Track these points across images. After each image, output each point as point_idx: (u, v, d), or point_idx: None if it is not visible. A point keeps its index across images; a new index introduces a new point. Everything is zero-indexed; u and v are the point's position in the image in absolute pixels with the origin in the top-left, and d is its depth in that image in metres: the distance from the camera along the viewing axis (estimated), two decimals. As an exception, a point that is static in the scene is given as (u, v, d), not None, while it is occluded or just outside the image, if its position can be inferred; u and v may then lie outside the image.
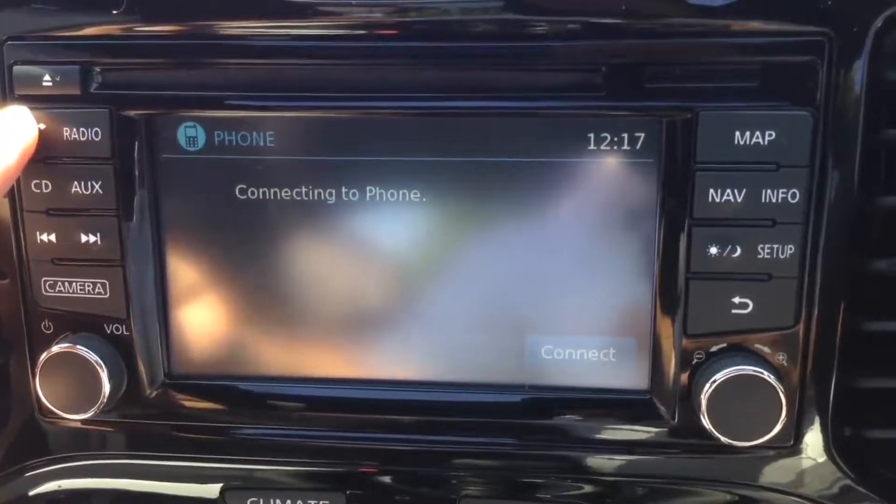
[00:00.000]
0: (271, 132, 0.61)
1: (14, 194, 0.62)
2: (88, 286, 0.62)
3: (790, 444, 0.61)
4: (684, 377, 0.60)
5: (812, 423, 0.60)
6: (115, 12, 0.58)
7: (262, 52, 0.58)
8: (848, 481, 0.62)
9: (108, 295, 0.62)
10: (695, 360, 0.59)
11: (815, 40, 0.54)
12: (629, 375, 0.62)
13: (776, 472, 0.62)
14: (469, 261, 0.62)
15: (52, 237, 0.62)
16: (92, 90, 0.59)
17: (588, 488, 0.65)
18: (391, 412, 0.64)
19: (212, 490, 0.68)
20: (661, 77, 0.55)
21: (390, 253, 0.62)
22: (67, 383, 0.62)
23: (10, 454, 0.68)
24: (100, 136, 0.60)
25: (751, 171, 0.56)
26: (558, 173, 0.59)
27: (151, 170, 0.61)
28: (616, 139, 0.58)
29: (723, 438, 0.58)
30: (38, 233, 0.62)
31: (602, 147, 0.58)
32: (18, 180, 0.61)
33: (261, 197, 0.61)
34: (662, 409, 0.61)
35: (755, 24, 0.55)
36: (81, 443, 0.68)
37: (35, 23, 0.59)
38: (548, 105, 0.57)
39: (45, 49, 0.59)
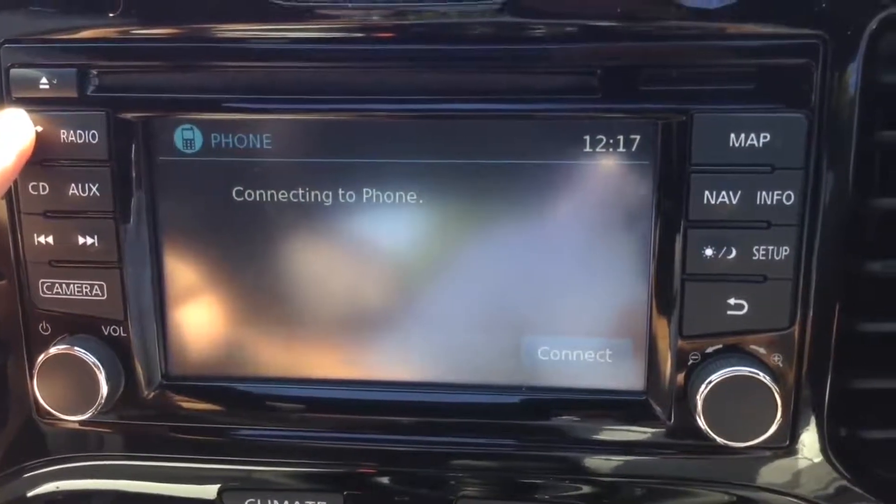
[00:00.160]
0: (268, 134, 0.61)
1: (11, 196, 0.62)
2: (86, 288, 0.62)
3: (786, 444, 0.61)
4: (680, 378, 0.60)
5: (808, 424, 0.61)
6: (111, 15, 0.58)
7: (259, 55, 0.58)
8: (844, 482, 0.62)
9: (105, 297, 0.62)
10: (690, 361, 0.59)
11: (810, 43, 0.54)
12: (625, 376, 0.62)
13: (772, 473, 0.62)
14: (465, 262, 0.62)
15: (50, 239, 0.62)
16: (89, 93, 0.59)
17: (585, 489, 0.65)
18: (389, 413, 0.64)
19: (210, 491, 0.68)
20: (657, 79, 0.55)
21: (387, 255, 0.62)
22: (65, 385, 0.62)
23: (8, 455, 0.68)
24: (97, 139, 0.60)
25: (746, 172, 0.56)
26: (554, 175, 0.59)
27: (148, 172, 0.61)
28: (612, 141, 0.58)
29: (719, 439, 0.58)
30: (35, 235, 0.62)
31: (598, 149, 0.59)
32: (16, 182, 0.61)
33: (258, 199, 0.62)
34: (658, 409, 0.62)
35: (750, 27, 0.55)
36: (79, 444, 0.68)
37: (32, 25, 0.59)
38: (544, 107, 0.57)
39: (42, 52, 0.59)
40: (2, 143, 0.57)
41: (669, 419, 0.61)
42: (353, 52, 0.58)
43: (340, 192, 0.61)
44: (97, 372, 0.61)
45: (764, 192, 0.56)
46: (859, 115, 0.55)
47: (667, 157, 0.57)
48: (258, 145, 0.61)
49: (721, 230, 0.57)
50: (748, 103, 0.55)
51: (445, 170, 0.60)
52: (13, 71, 0.60)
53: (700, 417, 0.58)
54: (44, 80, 0.59)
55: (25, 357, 0.65)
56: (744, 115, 0.55)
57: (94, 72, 0.59)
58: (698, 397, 0.58)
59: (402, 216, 0.61)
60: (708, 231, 0.57)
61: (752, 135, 0.55)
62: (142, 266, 0.63)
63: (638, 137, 0.58)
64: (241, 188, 0.62)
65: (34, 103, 0.60)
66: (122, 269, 0.62)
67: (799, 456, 0.61)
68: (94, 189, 0.60)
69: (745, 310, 0.58)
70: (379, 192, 0.61)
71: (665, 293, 0.59)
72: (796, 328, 0.58)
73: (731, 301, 0.58)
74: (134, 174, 0.61)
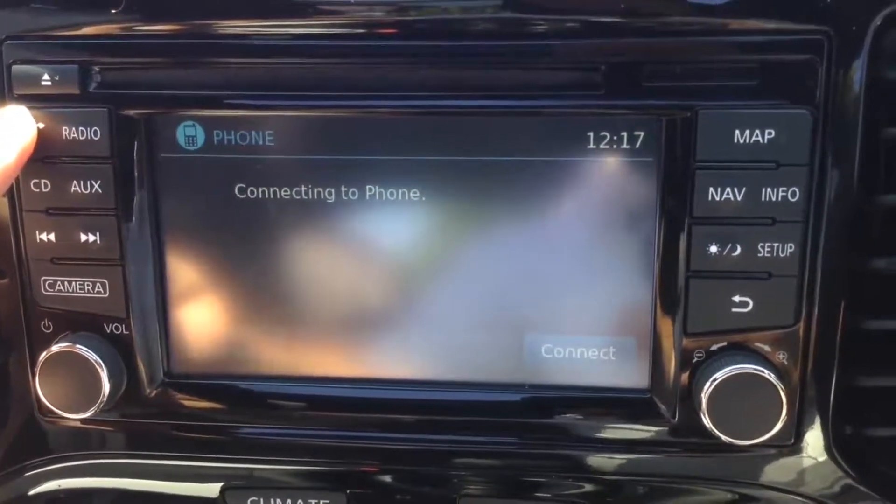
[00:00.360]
0: (270, 131, 0.61)
1: (13, 194, 0.62)
2: (88, 285, 0.62)
3: (791, 442, 0.61)
4: (684, 376, 0.60)
5: (812, 422, 0.60)
6: (113, 11, 0.58)
7: (261, 52, 0.58)
8: (849, 480, 0.62)
9: (107, 294, 0.62)
10: (695, 359, 0.59)
11: (815, 39, 0.54)
12: (629, 374, 0.62)
13: (777, 471, 0.62)
14: (469, 259, 0.62)
15: (52, 236, 0.62)
16: (91, 89, 0.59)
17: (588, 487, 0.65)
18: (391, 411, 0.64)
19: (212, 489, 0.68)
20: (661, 76, 0.55)
21: (390, 252, 0.62)
22: (67, 383, 0.62)
23: (9, 453, 0.68)
24: (99, 136, 0.60)
25: (750, 169, 0.56)
26: (558, 172, 0.59)
27: (151, 169, 0.61)
28: (615, 138, 0.58)
29: (723, 437, 0.58)
30: (37, 232, 0.62)
31: (601, 146, 0.58)
32: (18, 180, 0.61)
33: (260, 196, 0.61)
34: (663, 407, 0.61)
35: (754, 23, 0.55)
36: (81, 442, 0.68)
37: (34, 22, 0.59)
38: (547, 104, 0.57)
39: (44, 48, 0.59)
40: (3, 140, 0.57)
41: (674, 417, 0.61)
42: (356, 49, 0.58)
43: (343, 189, 0.61)
44: (99, 370, 0.61)
45: (769, 189, 0.56)
46: (864, 111, 0.55)
47: (671, 154, 0.57)
48: (260, 142, 0.61)
49: (726, 227, 0.57)
50: (753, 99, 0.55)
51: (448, 167, 0.60)
52: (15, 67, 0.60)
53: (704, 415, 0.58)
54: (46, 76, 0.59)
55: (27, 355, 0.64)
56: (748, 111, 0.55)
57: (97, 68, 0.59)
58: (703, 395, 0.57)
59: (405, 213, 0.61)
60: (712, 228, 0.57)
61: (757, 131, 0.55)
62: (144, 263, 0.63)
63: (642, 134, 0.58)
64: (244, 185, 0.61)
65: (36, 100, 0.59)
66: (124, 267, 0.62)
67: (804, 454, 0.61)
68: (96, 186, 0.60)
69: (750, 307, 0.58)
70: (382, 190, 0.61)
71: (669, 290, 0.59)
72: (801, 325, 0.58)
73: (736, 298, 0.58)
74: (136, 171, 0.61)
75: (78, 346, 0.61)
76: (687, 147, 0.56)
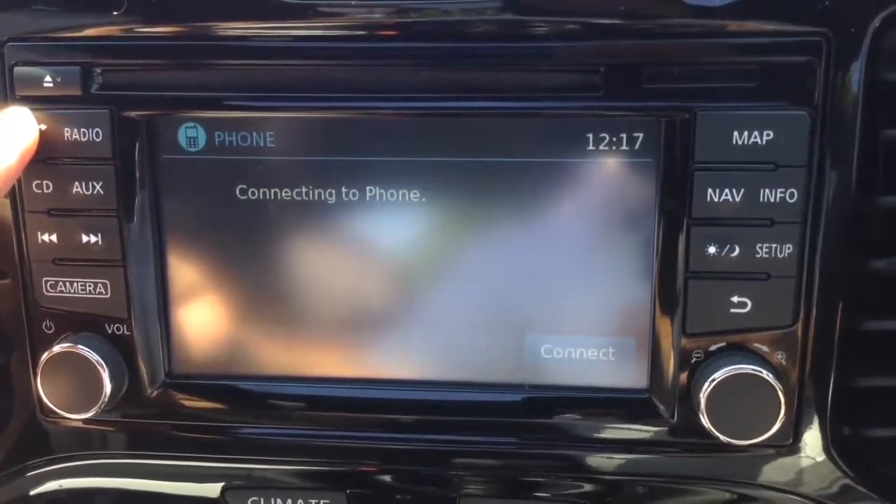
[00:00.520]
0: (272, 133, 0.61)
1: (15, 195, 0.62)
2: (89, 286, 0.62)
3: (789, 442, 0.61)
4: (683, 376, 0.60)
5: (811, 422, 0.61)
6: (115, 13, 0.58)
7: (262, 53, 0.58)
8: (847, 480, 0.62)
9: (109, 295, 0.62)
10: (694, 360, 0.59)
11: (813, 40, 0.54)
12: (628, 374, 0.62)
13: (775, 471, 0.62)
14: (468, 260, 0.62)
15: (54, 237, 0.62)
16: (93, 91, 0.60)
17: (588, 487, 0.65)
18: (391, 411, 0.64)
19: (213, 489, 0.68)
20: (660, 77, 0.55)
21: (390, 253, 0.62)
22: (69, 383, 0.62)
23: (11, 454, 0.68)
24: (101, 137, 0.60)
25: (749, 170, 0.56)
26: (557, 173, 0.59)
27: (152, 170, 0.62)
28: (615, 139, 0.58)
29: (722, 437, 0.58)
30: (39, 233, 0.62)
31: (601, 147, 0.59)
32: (19, 181, 0.61)
33: (261, 197, 0.62)
34: (662, 407, 0.62)
35: (753, 25, 0.55)
36: (83, 442, 0.68)
37: (36, 24, 0.59)
38: (546, 105, 0.57)
39: (46, 50, 0.60)
40: (5, 141, 0.58)
41: (672, 417, 0.61)
42: (356, 50, 0.58)
43: (344, 190, 0.61)
44: (101, 370, 0.61)
45: (767, 190, 0.56)
46: (863, 112, 0.55)
47: (670, 155, 0.57)
48: (262, 143, 0.61)
49: (724, 228, 0.57)
50: (751, 101, 0.55)
51: (448, 168, 0.60)
52: (17, 69, 0.60)
53: (703, 415, 0.58)
54: (47, 78, 0.59)
55: (29, 355, 0.65)
56: (747, 112, 0.55)
57: (98, 70, 0.59)
58: (701, 395, 0.58)
59: (406, 214, 0.61)
60: (711, 229, 0.57)
61: (756, 132, 0.55)
62: (145, 264, 0.63)
63: (641, 135, 0.58)
64: (245, 186, 0.62)
65: (38, 101, 0.60)
66: (125, 268, 0.62)
67: (802, 454, 0.61)
68: (97, 187, 0.60)
69: (749, 308, 0.58)
70: (382, 191, 0.61)
71: (668, 291, 0.59)
72: (800, 326, 0.58)
73: (735, 299, 0.58)
74: (137, 172, 0.61)
75: (79, 346, 0.62)
76: (686, 148, 0.56)
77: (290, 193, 0.61)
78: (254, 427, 0.66)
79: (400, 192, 0.61)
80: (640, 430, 0.62)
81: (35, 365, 0.63)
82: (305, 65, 0.58)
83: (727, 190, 0.56)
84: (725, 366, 0.57)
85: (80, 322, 0.63)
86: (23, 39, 0.60)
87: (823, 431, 0.61)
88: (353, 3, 0.57)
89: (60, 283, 0.63)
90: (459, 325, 0.63)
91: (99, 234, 0.61)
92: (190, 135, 0.61)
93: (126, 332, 0.63)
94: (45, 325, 0.64)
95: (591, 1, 0.56)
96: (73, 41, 0.59)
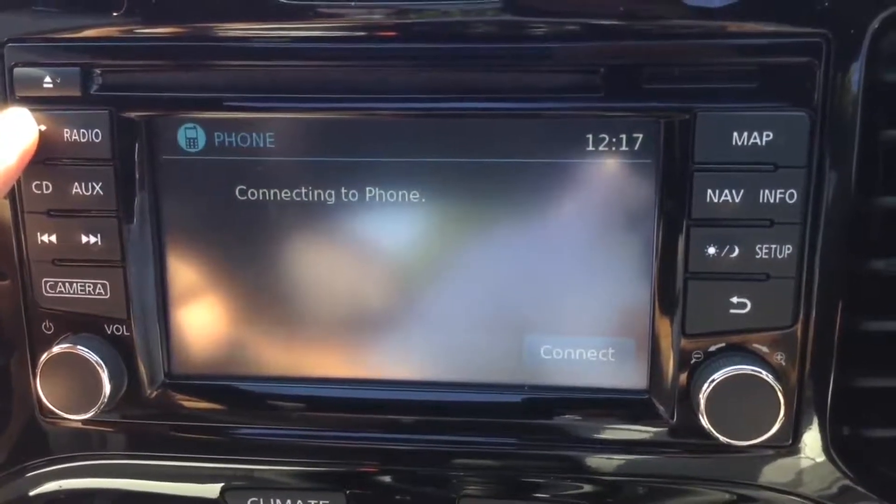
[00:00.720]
0: (271, 133, 0.61)
1: (15, 195, 0.62)
2: (89, 287, 0.62)
3: (789, 443, 0.61)
4: (683, 377, 0.60)
5: (810, 423, 0.61)
6: (115, 14, 0.58)
7: (262, 54, 0.58)
8: (847, 481, 0.62)
9: (108, 295, 0.62)
10: (693, 360, 0.59)
11: (813, 41, 0.54)
12: (628, 375, 0.62)
13: (775, 472, 0.62)
14: (468, 261, 0.62)
15: (53, 238, 0.62)
16: (92, 92, 0.60)
17: (587, 488, 0.65)
18: (391, 412, 0.64)
19: (212, 490, 0.68)
20: (660, 78, 0.55)
21: (390, 253, 0.62)
22: (68, 384, 0.62)
23: (10, 454, 0.68)
24: (100, 138, 0.60)
25: (749, 171, 0.56)
26: (557, 174, 0.59)
27: (152, 171, 0.62)
28: (614, 140, 0.58)
29: (721, 438, 0.58)
30: (38, 233, 0.62)
31: (600, 148, 0.59)
32: (19, 181, 0.61)
33: (261, 198, 0.62)
34: (661, 408, 0.62)
35: (753, 26, 0.55)
36: (82, 443, 0.68)
37: (36, 25, 0.59)
38: (546, 106, 0.57)
39: (45, 51, 0.60)
40: (5, 141, 0.58)
41: (672, 418, 0.61)
42: (356, 51, 0.58)
43: (343, 191, 0.61)
44: (100, 371, 0.61)
45: (767, 191, 0.56)
46: (862, 113, 0.55)
47: (669, 156, 0.57)
48: (261, 144, 0.61)
49: (724, 229, 0.57)
50: (751, 102, 0.55)
51: (448, 169, 0.60)
52: (17, 70, 0.60)
53: (703, 416, 0.58)
54: (47, 79, 0.59)
55: (28, 356, 0.65)
56: (747, 113, 0.55)
57: (98, 71, 0.59)
58: (701, 396, 0.58)
59: (405, 215, 0.61)
60: (711, 230, 0.57)
61: (755, 133, 0.55)
62: (145, 265, 0.63)
63: (641, 136, 0.58)
64: (245, 187, 0.62)
65: (38, 102, 0.60)
66: (125, 268, 0.62)
67: (802, 455, 0.61)
68: (97, 188, 0.60)
69: (748, 308, 0.58)
70: (382, 192, 0.61)
71: (668, 292, 0.59)
72: (799, 327, 0.58)
73: (734, 300, 0.58)
74: (137, 173, 0.61)
75: (79, 347, 0.62)
76: (685, 149, 0.56)
77: (289, 194, 0.61)
78: (253, 427, 0.66)
79: (399, 193, 0.61)
80: (640, 431, 0.62)
81: (34, 365, 0.63)
82: (305, 65, 0.58)
83: (727, 191, 0.56)
84: (725, 366, 0.57)
85: (80, 323, 0.63)
86: (22, 40, 0.60)
87: (823, 432, 0.61)
88: (352, 3, 0.57)
89: (60, 284, 0.63)
90: (459, 326, 0.63)
91: (98, 235, 0.61)
92: (189, 135, 0.61)
93: (125, 333, 0.63)
94: (45, 325, 0.64)
95: (590, 2, 0.56)
96: (72, 42, 0.59)
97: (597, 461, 0.64)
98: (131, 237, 0.62)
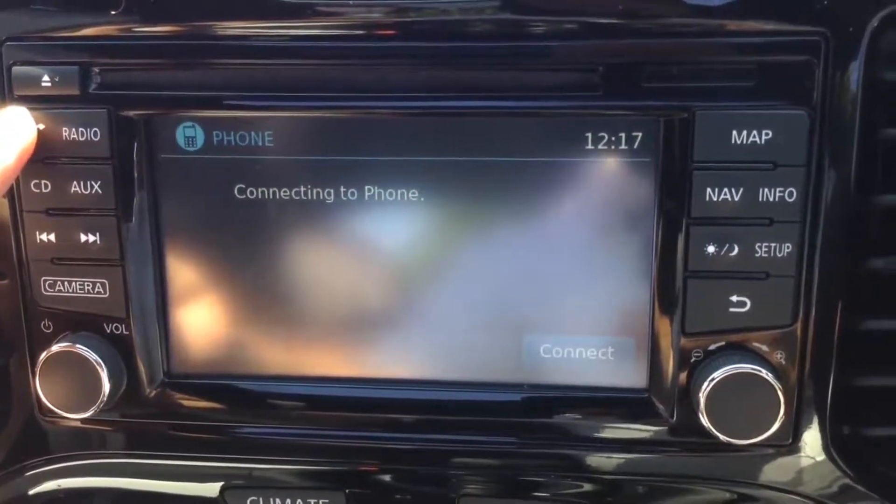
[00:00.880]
0: (270, 132, 0.61)
1: (13, 194, 0.62)
2: (88, 286, 0.62)
3: (788, 442, 0.61)
4: (683, 376, 0.60)
5: (810, 422, 0.61)
6: (113, 13, 0.58)
7: (260, 52, 0.58)
8: (847, 480, 0.62)
9: (107, 294, 0.62)
10: (693, 359, 0.59)
11: (812, 40, 0.54)
12: (628, 374, 0.62)
13: (775, 471, 0.62)
14: (467, 260, 0.62)
15: (52, 237, 0.62)
16: (91, 90, 0.59)
17: (587, 487, 0.65)
18: (391, 411, 0.64)
19: (212, 489, 0.68)
20: (659, 77, 0.55)
21: (389, 252, 0.62)
22: (67, 383, 0.62)
23: (10, 453, 0.68)
24: (99, 136, 0.60)
25: (748, 170, 0.56)
26: (556, 173, 0.59)
27: (150, 170, 0.61)
28: (613, 139, 0.58)
29: (721, 437, 0.58)
30: (37, 232, 0.62)
31: (599, 147, 0.58)
32: (18, 180, 0.61)
33: (259, 197, 0.62)
34: (661, 407, 0.61)
35: (752, 24, 0.55)
36: (81, 442, 0.68)
37: (34, 23, 0.59)
38: (545, 105, 0.57)
39: (44, 49, 0.60)
40: (3, 141, 0.57)
41: (672, 417, 0.61)
42: (355, 50, 0.58)
43: (342, 189, 0.61)
44: (99, 370, 0.61)
45: (766, 190, 0.56)
46: (861, 112, 0.55)
47: (669, 155, 0.57)
48: (260, 143, 0.61)
49: (723, 227, 0.57)
50: (750, 100, 0.55)
51: (447, 167, 0.60)
52: (15, 69, 0.60)
53: (702, 415, 0.58)
54: (46, 77, 0.59)
55: (27, 355, 0.65)
56: (746, 112, 0.55)
57: (96, 69, 0.59)
58: (701, 395, 0.58)
59: (404, 214, 0.61)
60: (710, 228, 0.57)
61: (755, 132, 0.55)
62: (144, 264, 0.63)
63: (640, 135, 0.58)
64: (243, 186, 0.62)
65: (36, 101, 0.60)
66: (124, 267, 0.62)
67: (801, 454, 0.61)
68: (95, 187, 0.60)
69: (748, 307, 0.58)
70: (381, 190, 0.61)
71: (667, 291, 0.59)
72: (799, 325, 0.58)
73: (734, 298, 0.58)
74: (136, 172, 0.61)
75: (78, 346, 0.62)
76: (685, 148, 0.56)
77: (288, 193, 0.61)
78: (253, 427, 0.66)
79: (399, 192, 0.61)
80: (640, 430, 0.62)
81: (34, 364, 0.63)
82: (304, 64, 0.58)
83: (726, 189, 0.56)
84: (725, 365, 0.57)
85: (79, 321, 0.63)
86: (21, 39, 0.60)
87: (823, 431, 0.61)
88: (351, 2, 0.57)
89: (59, 283, 0.63)
90: (458, 324, 0.63)
91: (97, 234, 0.61)
92: (188, 134, 0.61)
93: (125, 332, 0.63)
94: (44, 324, 0.64)
95: (589, 0, 0.56)
96: (71, 41, 0.59)
97: (596, 460, 0.64)
98: (130, 236, 0.62)
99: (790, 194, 0.56)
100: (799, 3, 0.54)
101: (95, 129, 0.60)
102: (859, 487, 0.62)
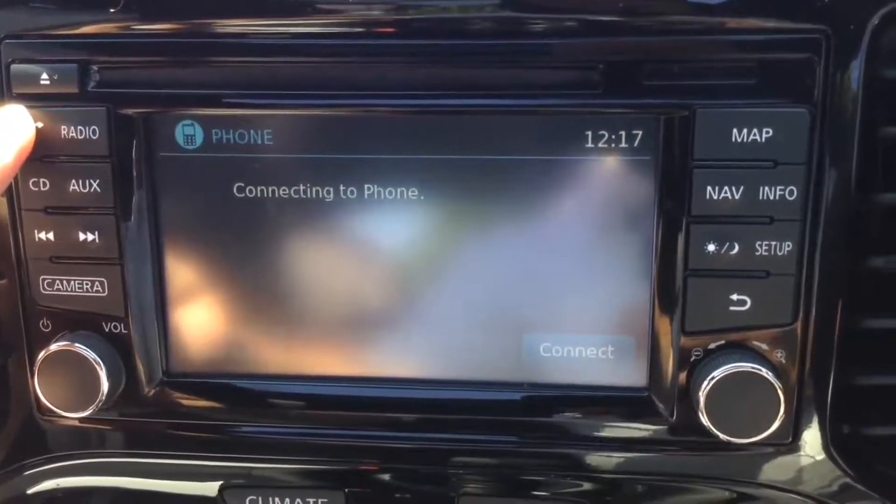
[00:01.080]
0: (269, 130, 0.61)
1: (12, 193, 0.62)
2: (87, 284, 0.62)
3: (788, 441, 0.61)
4: (682, 375, 0.60)
5: (810, 421, 0.61)
6: (112, 11, 0.58)
7: (260, 50, 0.58)
8: (847, 479, 0.62)
9: (106, 293, 0.62)
10: (693, 358, 0.59)
11: (813, 38, 0.54)
12: (628, 373, 0.62)
13: (775, 470, 0.62)
14: (467, 258, 0.62)
15: (51, 235, 0.62)
16: (90, 88, 0.59)
17: (587, 485, 0.65)
18: (390, 410, 0.64)
19: (211, 488, 0.68)
20: (659, 74, 0.55)
21: (388, 251, 0.62)
22: (66, 382, 0.62)
23: (8, 453, 0.68)
24: (97, 135, 0.60)
25: (748, 168, 0.56)
26: (556, 171, 0.59)
27: (149, 168, 0.61)
28: (613, 137, 0.58)
29: (721, 435, 0.58)
30: (36, 231, 0.62)
31: (600, 145, 0.58)
32: (16, 179, 0.61)
33: (259, 195, 0.61)
34: (661, 406, 0.61)
35: (752, 22, 0.55)
36: (80, 441, 0.68)
37: (33, 21, 0.59)
38: (545, 103, 0.57)
39: (42, 47, 0.59)
40: (2, 139, 0.57)
41: (672, 416, 0.61)
42: (354, 48, 0.58)
43: (341, 188, 0.61)
44: (98, 369, 0.61)
45: (766, 188, 0.56)
46: (862, 110, 0.55)
47: (669, 153, 0.57)
48: (259, 141, 0.61)
49: (723, 226, 0.57)
50: (751, 98, 0.55)
51: (446, 166, 0.60)
52: (14, 66, 0.60)
53: (702, 414, 0.58)
54: (44, 75, 0.59)
55: (26, 354, 0.64)
56: (746, 110, 0.55)
57: (95, 67, 0.59)
58: (701, 394, 0.57)
59: (404, 212, 0.61)
60: (710, 227, 0.57)
61: (755, 130, 0.55)
62: (143, 262, 0.63)
63: (640, 133, 0.58)
64: (242, 184, 0.61)
65: (35, 99, 0.59)
66: (122, 266, 0.62)
67: (801, 453, 0.61)
68: (94, 185, 0.60)
69: (748, 306, 0.58)
70: (380, 189, 0.61)
71: (667, 289, 0.59)
72: (799, 324, 0.58)
73: (734, 297, 0.58)
74: (134, 170, 0.61)
75: (76, 344, 0.61)
76: (685, 146, 0.56)
77: (287, 191, 0.61)
78: (252, 426, 0.66)
79: (398, 190, 0.61)
80: (640, 429, 0.62)
81: (32, 363, 0.63)
82: (303, 62, 0.58)
83: (726, 187, 0.56)
84: (725, 364, 0.57)
85: (78, 320, 0.63)
86: (19, 37, 0.59)
87: (823, 430, 0.61)
88: (350, 0, 0.57)
89: (57, 282, 0.63)
90: (458, 324, 0.63)
91: (96, 232, 0.61)
92: (187, 132, 0.61)
93: (123, 331, 0.63)
94: (42, 323, 0.64)
95: None
96: (69, 38, 0.59)
97: (596, 459, 0.64)
98: (129, 234, 0.61)
99: (790, 192, 0.56)
100: (800, 1, 0.55)
101: (94, 127, 0.59)
102: (859, 486, 0.62)
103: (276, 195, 0.61)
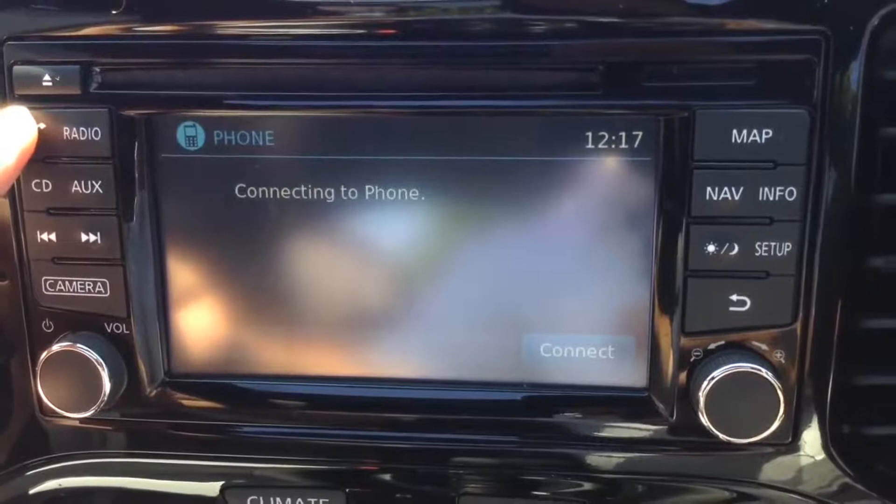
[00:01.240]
0: (270, 131, 0.61)
1: (14, 194, 0.62)
2: (89, 285, 0.62)
3: (788, 441, 0.61)
4: (682, 375, 0.60)
5: (810, 421, 0.61)
6: (114, 12, 0.58)
7: (261, 52, 0.58)
8: (846, 479, 0.62)
9: (108, 294, 0.62)
10: (693, 358, 0.59)
11: (812, 39, 0.54)
12: (628, 373, 0.62)
13: (775, 470, 0.62)
14: (467, 259, 0.62)
15: (53, 236, 0.62)
16: (92, 90, 0.59)
17: (587, 485, 0.65)
18: (391, 410, 0.64)
19: (212, 488, 0.68)
20: (659, 76, 0.55)
21: (389, 251, 0.62)
22: (68, 382, 0.62)
23: (10, 453, 0.68)
24: (99, 136, 0.60)
25: (748, 169, 0.56)
26: (556, 172, 0.59)
27: (151, 169, 0.61)
28: (613, 138, 0.58)
29: (721, 436, 0.58)
30: (38, 232, 0.62)
31: (600, 146, 0.59)
32: (19, 180, 0.61)
33: (260, 196, 0.62)
34: (661, 406, 0.62)
35: (752, 23, 0.55)
36: (82, 441, 0.68)
37: (35, 23, 0.59)
38: (545, 104, 0.57)
39: (44, 49, 0.60)
40: (4, 140, 0.57)
41: (672, 416, 0.61)
42: (355, 49, 0.58)
43: (342, 188, 0.61)
44: (100, 369, 0.61)
45: (766, 189, 0.56)
46: (861, 111, 0.55)
47: (669, 154, 0.57)
48: (260, 142, 0.61)
49: (723, 226, 0.57)
50: (750, 99, 0.55)
51: (447, 166, 0.60)
52: (16, 68, 0.60)
53: (702, 414, 0.58)
54: (47, 77, 0.59)
55: (28, 355, 0.65)
56: (746, 111, 0.55)
57: (97, 69, 0.59)
58: (700, 394, 0.58)
59: (405, 213, 0.61)
60: (710, 227, 0.57)
61: (755, 131, 0.55)
62: (145, 263, 0.63)
63: (640, 134, 0.58)
64: (244, 185, 0.62)
65: (37, 100, 0.60)
66: (124, 267, 0.62)
67: (801, 453, 0.61)
68: (96, 186, 0.60)
69: (748, 306, 0.58)
70: (381, 189, 0.61)
71: (667, 290, 0.59)
72: (799, 325, 0.58)
73: (734, 297, 0.58)
74: (136, 171, 0.61)
75: (79, 345, 0.62)
76: (685, 147, 0.56)
77: (289, 192, 0.61)
78: (253, 426, 0.66)
79: (399, 191, 0.61)
80: (640, 429, 0.62)
81: (34, 364, 0.63)
82: (304, 63, 0.58)
83: (726, 188, 0.56)
84: (724, 364, 0.57)
85: (80, 321, 0.63)
86: (22, 38, 0.60)
87: (823, 430, 0.61)
88: (352, 1, 0.57)
89: (60, 283, 0.63)
90: (458, 324, 0.63)
91: (98, 233, 0.61)
92: (189, 134, 0.61)
93: (125, 331, 0.63)
94: (45, 324, 0.64)
95: None
96: (72, 40, 0.59)
97: (596, 459, 0.64)
98: (131, 235, 0.62)
99: (790, 193, 0.56)
100: (799, 2, 0.55)
101: (96, 128, 0.60)
102: (859, 486, 0.62)
103: (278, 196, 0.61)
